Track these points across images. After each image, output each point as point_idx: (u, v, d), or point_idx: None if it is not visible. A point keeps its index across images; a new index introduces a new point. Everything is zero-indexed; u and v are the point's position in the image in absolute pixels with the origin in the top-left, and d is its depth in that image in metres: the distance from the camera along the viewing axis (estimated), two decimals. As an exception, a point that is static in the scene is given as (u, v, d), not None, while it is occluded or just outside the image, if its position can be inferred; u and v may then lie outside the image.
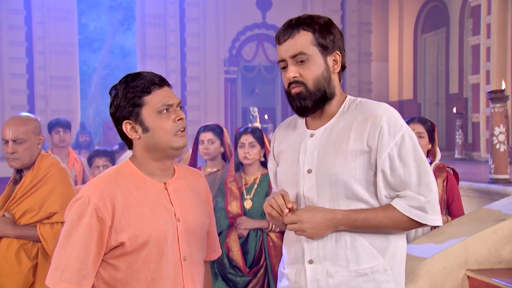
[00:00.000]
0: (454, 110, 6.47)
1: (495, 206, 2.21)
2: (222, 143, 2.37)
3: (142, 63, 8.17)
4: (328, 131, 1.12)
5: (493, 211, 2.13)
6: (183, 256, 1.09)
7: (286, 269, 1.17)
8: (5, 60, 7.46)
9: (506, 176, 3.17)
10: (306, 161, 1.12)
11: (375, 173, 1.08)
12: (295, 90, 1.10)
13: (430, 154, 2.12)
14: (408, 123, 2.10)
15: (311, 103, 1.10)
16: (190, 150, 2.57)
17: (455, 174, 2.11)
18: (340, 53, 1.13)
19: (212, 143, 2.34)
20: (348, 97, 1.16)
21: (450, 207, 2.08)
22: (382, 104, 1.12)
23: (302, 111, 1.12)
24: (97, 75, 12.64)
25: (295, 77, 1.09)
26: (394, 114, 1.10)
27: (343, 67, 1.14)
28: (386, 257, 1.10)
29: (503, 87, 3.39)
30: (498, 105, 3.15)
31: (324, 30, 1.10)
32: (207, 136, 2.35)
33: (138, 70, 9.26)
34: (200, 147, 2.38)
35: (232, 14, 8.25)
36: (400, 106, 9.03)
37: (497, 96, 3.17)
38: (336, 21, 8.73)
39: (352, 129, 1.09)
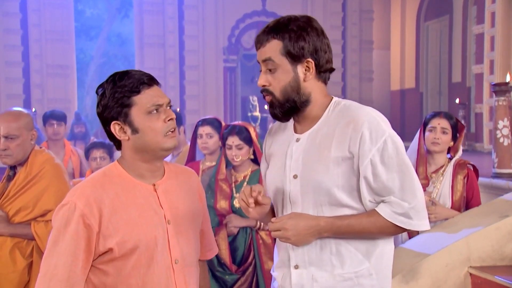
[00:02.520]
0: (457, 101, 6.40)
1: (509, 197, 2.17)
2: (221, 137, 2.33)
3: (140, 51, 8.05)
4: (312, 136, 1.12)
5: (508, 202, 2.09)
6: (175, 259, 1.07)
7: (275, 272, 1.19)
8: (0, 48, 7.33)
9: (510, 171, 3.15)
10: (292, 166, 1.12)
11: (359, 179, 1.07)
12: (266, 98, 1.12)
13: (452, 150, 2.07)
14: (433, 117, 2.05)
15: (280, 113, 1.11)
16: (189, 143, 2.53)
17: (475, 171, 2.08)
18: (315, 58, 1.08)
19: (210, 137, 2.33)
20: (334, 99, 1.14)
21: (469, 204, 2.05)
22: (365, 108, 1.09)
23: (275, 118, 1.13)
24: (94, 64, 12.48)
25: (264, 85, 1.10)
26: (376, 118, 1.07)
27: (327, 70, 1.10)
28: (372, 261, 1.10)
29: (508, 79, 3.33)
30: (502, 98, 3.10)
31: (295, 37, 1.06)
32: (205, 130, 2.33)
33: (136, 58, 9.11)
34: (199, 141, 2.36)
35: (232, 1, 8.10)
36: (402, 95, 8.95)
37: (501, 89, 3.11)
38: (337, 8, 8.58)
39: (334, 136, 1.08)
